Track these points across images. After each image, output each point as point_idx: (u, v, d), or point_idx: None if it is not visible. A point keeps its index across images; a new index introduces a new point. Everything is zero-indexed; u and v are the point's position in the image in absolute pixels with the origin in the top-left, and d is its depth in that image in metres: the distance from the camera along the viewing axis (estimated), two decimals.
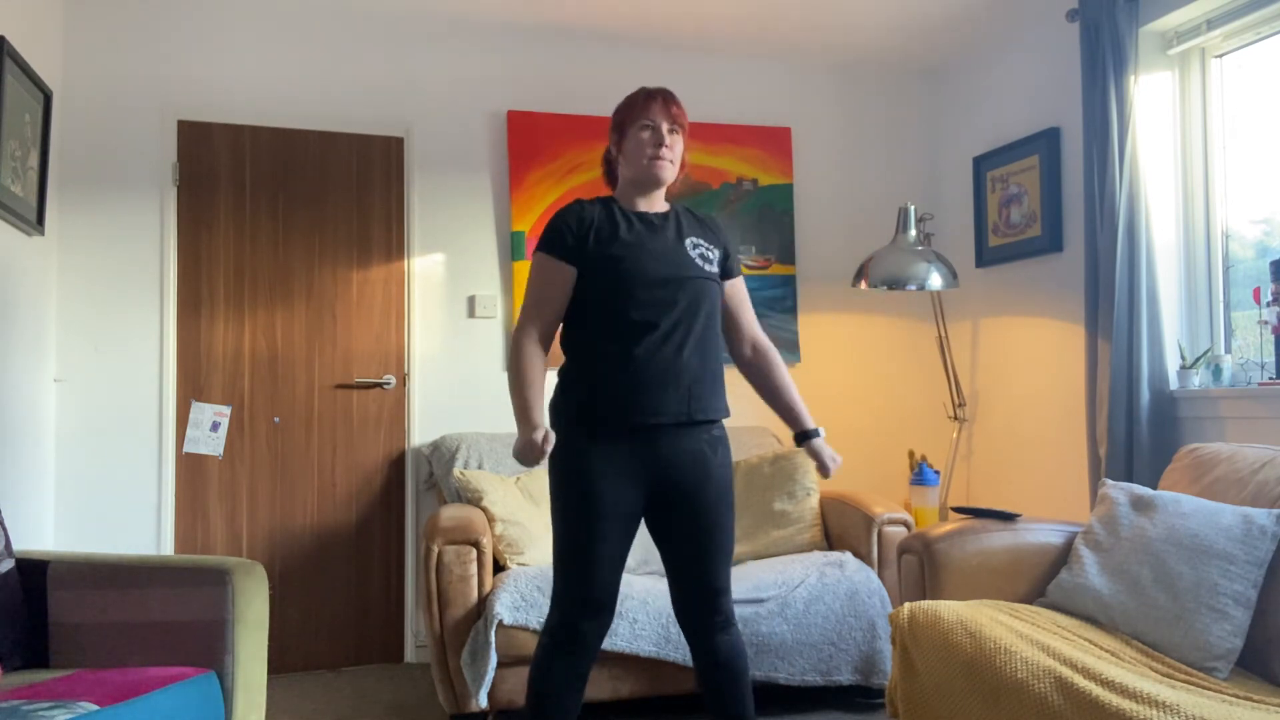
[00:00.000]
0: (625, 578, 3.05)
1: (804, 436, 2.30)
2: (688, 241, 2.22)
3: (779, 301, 4.21)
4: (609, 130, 2.29)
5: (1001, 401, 4.04)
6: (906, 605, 2.34)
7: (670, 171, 2.22)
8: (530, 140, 3.97)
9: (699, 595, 2.19)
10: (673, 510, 2.17)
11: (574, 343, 2.20)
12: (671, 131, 2.20)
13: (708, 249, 2.24)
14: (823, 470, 2.27)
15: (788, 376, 2.35)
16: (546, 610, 2.82)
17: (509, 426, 3.89)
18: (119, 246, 3.58)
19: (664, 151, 2.18)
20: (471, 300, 3.91)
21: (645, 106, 2.20)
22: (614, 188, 2.32)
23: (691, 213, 2.32)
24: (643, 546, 3.43)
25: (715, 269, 2.23)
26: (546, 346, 2.21)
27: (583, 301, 2.17)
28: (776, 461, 3.58)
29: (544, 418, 2.12)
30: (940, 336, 4.07)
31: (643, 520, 2.31)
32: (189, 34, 3.68)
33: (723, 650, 2.19)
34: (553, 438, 2.05)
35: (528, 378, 2.13)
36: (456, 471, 3.31)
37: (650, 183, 2.21)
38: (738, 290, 2.34)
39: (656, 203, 2.26)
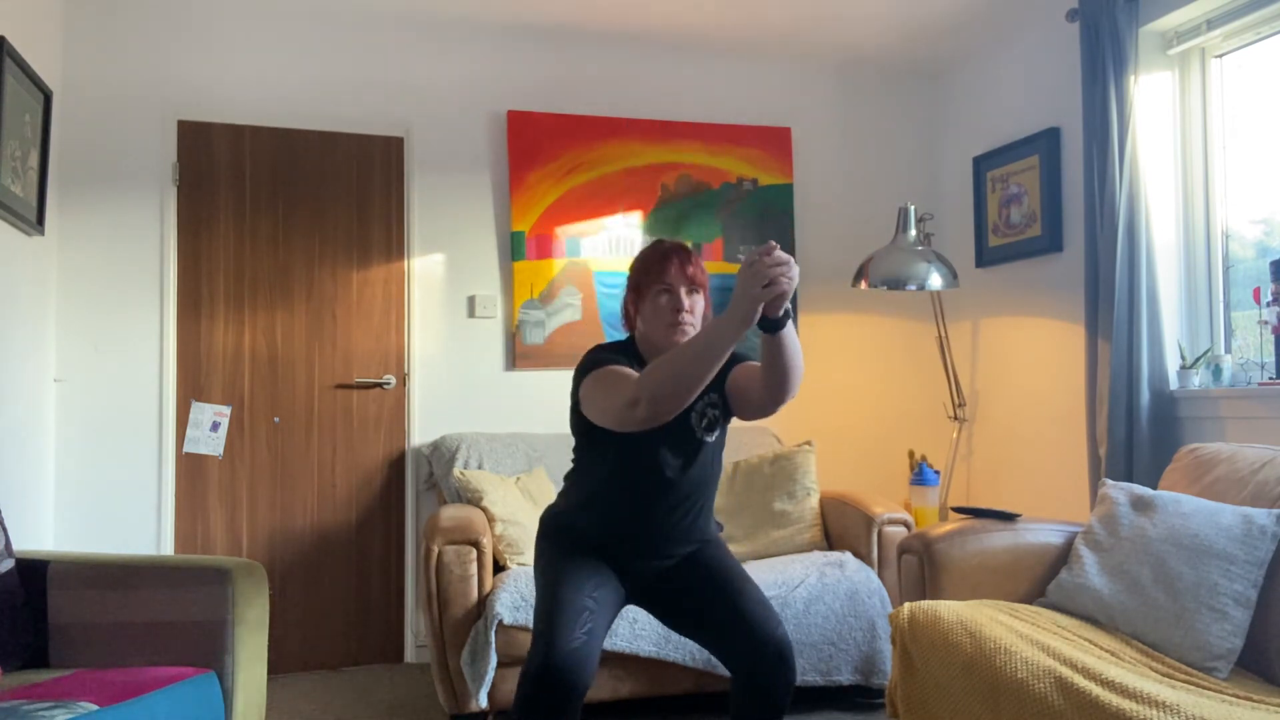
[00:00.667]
0: None
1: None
2: (695, 409, 2.13)
3: None
4: (626, 286, 2.21)
5: (1001, 401, 4.04)
6: (906, 605, 2.34)
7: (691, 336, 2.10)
8: (530, 140, 3.97)
9: (747, 632, 2.07)
10: (673, 585, 2.17)
11: (580, 467, 2.22)
12: (690, 292, 2.12)
13: (713, 401, 2.16)
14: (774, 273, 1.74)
15: None
16: None
17: (509, 426, 3.88)
18: (119, 246, 3.58)
19: (684, 317, 2.10)
20: (471, 300, 3.91)
21: (662, 270, 2.11)
22: (632, 330, 2.24)
23: None
24: None
25: (719, 430, 2.18)
26: None
27: (598, 440, 2.14)
28: (776, 461, 3.58)
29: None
30: (940, 336, 4.07)
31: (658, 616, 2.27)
32: (189, 34, 3.68)
33: (776, 691, 2.08)
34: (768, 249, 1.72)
35: (677, 350, 1.86)
36: (456, 471, 3.31)
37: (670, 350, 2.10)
38: (751, 369, 2.12)
39: None
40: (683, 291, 2.11)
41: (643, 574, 2.19)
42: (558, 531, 2.21)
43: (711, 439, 2.18)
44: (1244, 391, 2.95)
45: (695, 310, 2.14)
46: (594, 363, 2.07)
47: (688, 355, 1.81)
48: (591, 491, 2.19)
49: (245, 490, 3.66)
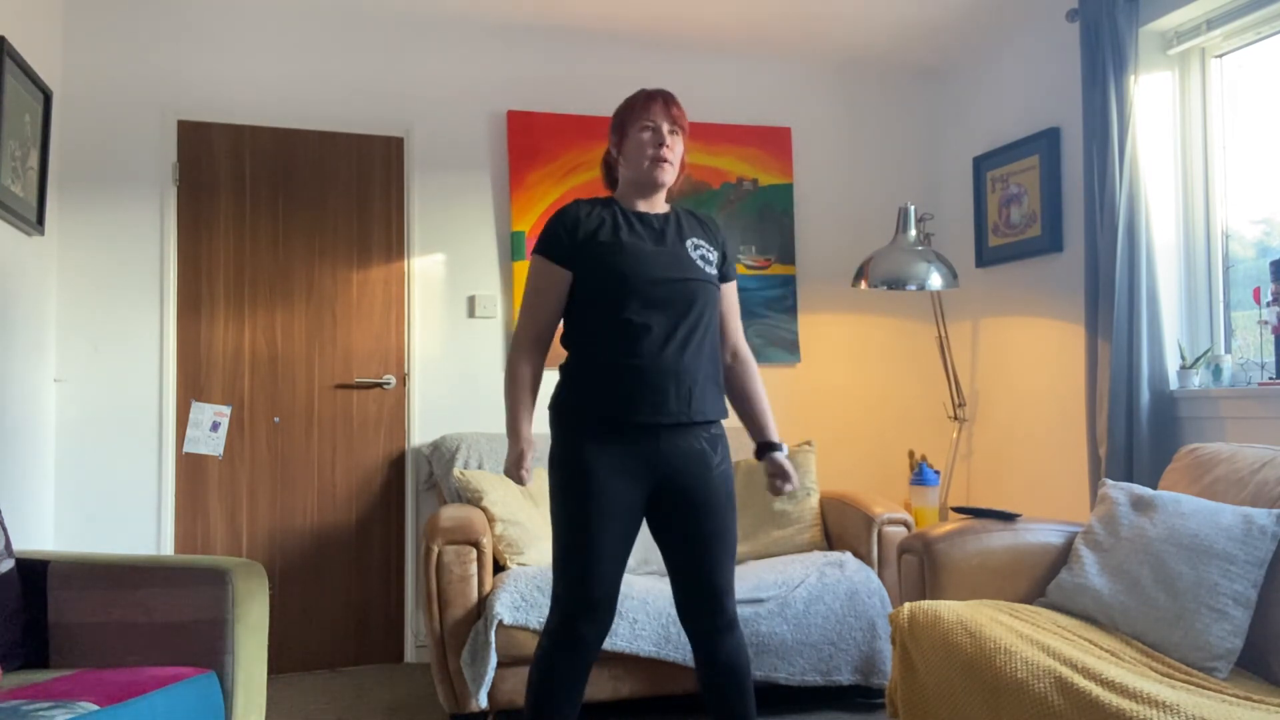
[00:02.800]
0: (625, 578, 3.05)
1: (766, 448, 2.29)
2: (689, 242, 2.21)
3: (779, 301, 4.21)
4: (609, 131, 2.29)
5: (1001, 401, 4.04)
6: (906, 605, 2.34)
7: (670, 173, 2.22)
8: (530, 140, 3.97)
9: (702, 596, 2.18)
10: (674, 509, 2.17)
11: (574, 341, 2.21)
12: (672, 132, 2.20)
13: (708, 250, 2.24)
14: (775, 488, 2.27)
15: (762, 387, 2.34)
16: (546, 610, 2.82)
17: None
18: (119, 246, 3.58)
19: (665, 153, 2.18)
20: (471, 300, 3.91)
21: (645, 107, 2.20)
22: (613, 189, 2.32)
23: (693, 214, 2.31)
24: (643, 546, 3.43)
25: (714, 271, 2.23)
26: (544, 350, 2.22)
27: (582, 301, 2.17)
28: None
29: (529, 432, 2.16)
30: (940, 336, 4.07)
31: (645, 521, 2.31)
32: (189, 34, 3.68)
33: (725, 652, 2.18)
34: (530, 459, 2.13)
35: (517, 394, 2.17)
36: (456, 471, 3.31)
37: (651, 185, 2.21)
38: (729, 295, 2.33)
39: (657, 204, 2.26)
40: (665, 129, 2.19)
41: (662, 461, 2.12)
42: (576, 423, 2.13)
43: (705, 269, 2.19)
44: (1244, 391, 2.95)
45: (676, 150, 2.22)
46: (540, 243, 2.20)
47: (505, 401, 2.18)
48: (594, 349, 2.14)
49: (245, 490, 3.66)
